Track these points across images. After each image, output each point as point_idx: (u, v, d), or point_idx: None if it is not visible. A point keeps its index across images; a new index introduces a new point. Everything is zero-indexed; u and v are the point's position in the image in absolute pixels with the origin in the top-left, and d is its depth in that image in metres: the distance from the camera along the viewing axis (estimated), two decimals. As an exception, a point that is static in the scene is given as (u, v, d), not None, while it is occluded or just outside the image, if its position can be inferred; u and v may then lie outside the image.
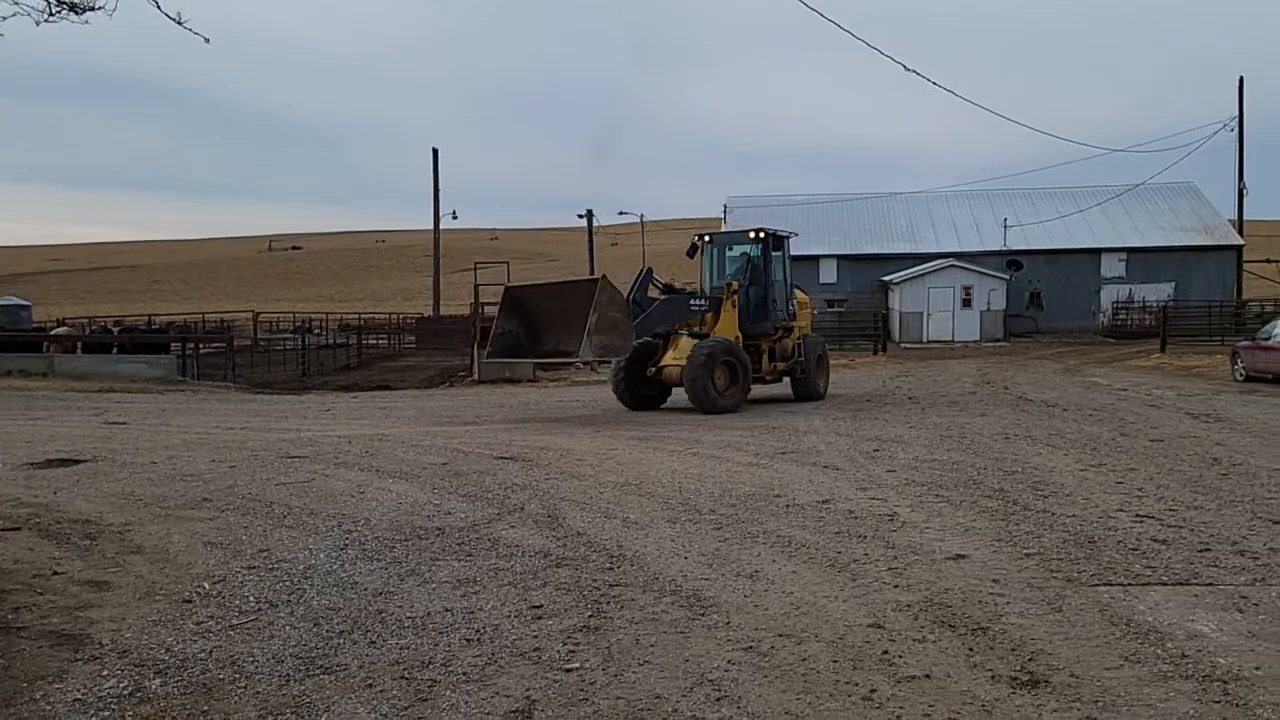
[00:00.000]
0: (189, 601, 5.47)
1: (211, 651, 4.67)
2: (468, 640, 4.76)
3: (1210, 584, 5.03)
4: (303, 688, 4.23)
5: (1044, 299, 40.12)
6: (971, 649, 4.27)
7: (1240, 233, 39.16)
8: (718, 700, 3.87)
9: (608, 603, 5.26)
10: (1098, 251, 39.80)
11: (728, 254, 17.57)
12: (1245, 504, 7.09)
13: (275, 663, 4.52)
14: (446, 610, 5.23)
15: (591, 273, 28.35)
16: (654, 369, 15.79)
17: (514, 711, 3.88)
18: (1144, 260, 39.48)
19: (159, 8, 8.37)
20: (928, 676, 3.98)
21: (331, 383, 26.10)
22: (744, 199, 45.30)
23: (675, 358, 15.48)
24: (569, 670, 4.29)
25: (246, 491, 8.63)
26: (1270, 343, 18.68)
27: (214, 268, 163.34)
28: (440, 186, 42.97)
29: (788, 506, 7.53)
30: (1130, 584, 5.08)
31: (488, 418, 15.90)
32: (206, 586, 5.75)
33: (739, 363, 15.35)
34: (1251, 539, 5.98)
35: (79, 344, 24.92)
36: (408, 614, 5.19)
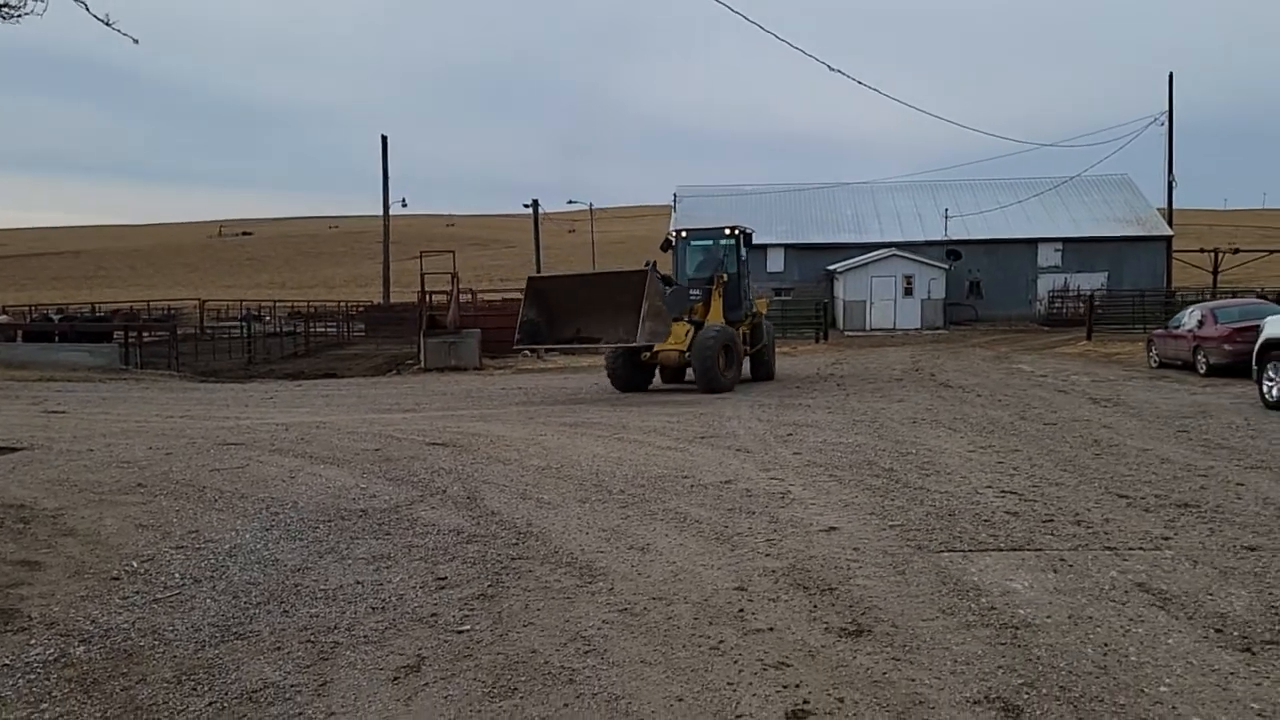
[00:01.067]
0: (117, 579, 5.85)
1: (135, 622, 5.07)
2: (373, 608, 5.21)
3: (1039, 550, 5.65)
4: (217, 651, 4.66)
5: (983, 288, 41.27)
6: (815, 606, 4.83)
7: (1170, 224, 40.58)
8: (586, 653, 4.38)
9: (507, 574, 5.74)
10: (1035, 242, 41.02)
11: (702, 248, 18.94)
12: (1103, 480, 7.76)
13: (193, 631, 4.93)
14: (358, 583, 5.67)
15: (538, 261, 28.69)
16: (649, 354, 16.88)
17: (404, 667, 4.35)
18: (1079, 250, 40.77)
19: (87, 9, 8.67)
20: (771, 629, 4.53)
21: (277, 371, 26.21)
22: (693, 189, 45.85)
23: (673, 343, 16.59)
24: (460, 632, 4.77)
25: (180, 477, 8.96)
26: (1179, 331, 19.64)
27: (162, 254, 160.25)
28: (390, 173, 42.90)
29: (692, 486, 8.07)
30: (971, 550, 5.69)
31: (427, 405, 16.29)
32: (135, 565, 6.13)
33: (735, 347, 17.06)
34: (1093, 511, 6.63)
35: (19, 332, 24.76)
36: (321, 587, 5.63)
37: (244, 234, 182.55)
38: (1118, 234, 40.74)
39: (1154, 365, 20.75)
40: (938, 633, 4.36)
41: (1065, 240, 40.86)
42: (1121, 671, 3.85)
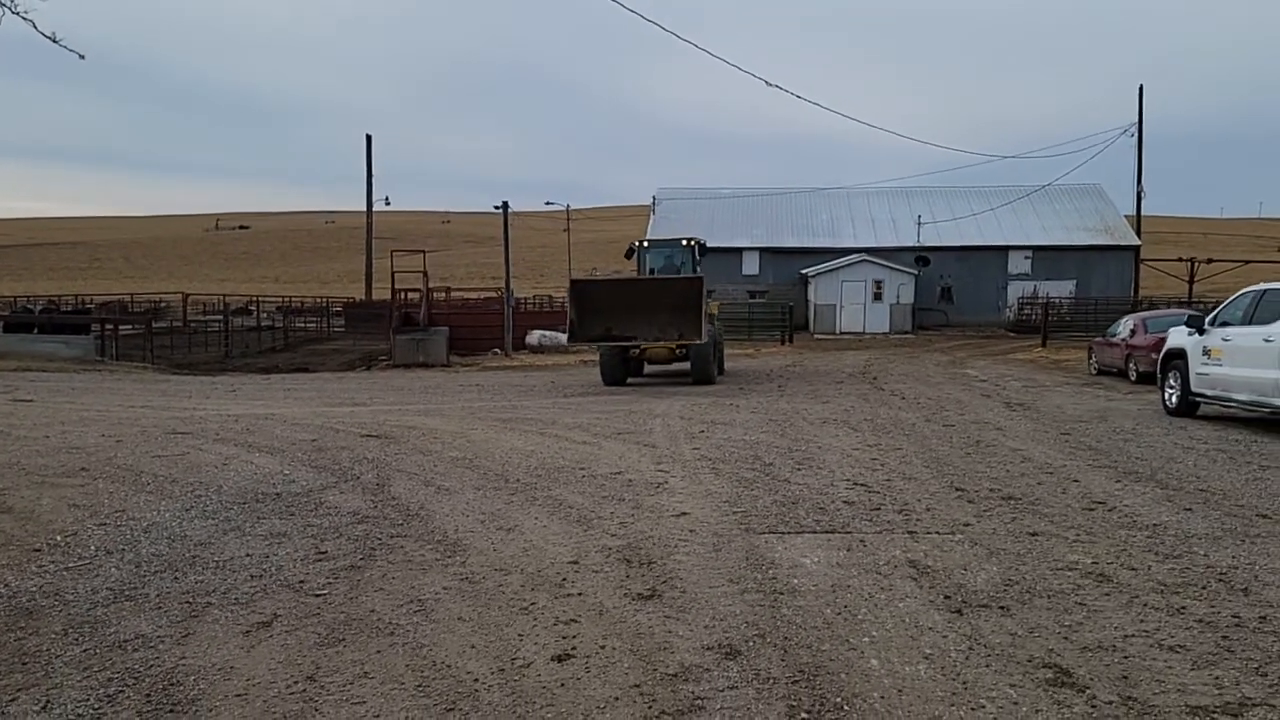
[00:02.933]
0: (38, 550, 6.56)
1: (42, 587, 5.78)
2: (252, 576, 5.92)
3: (849, 533, 6.37)
4: (106, 610, 5.36)
5: (955, 294, 42.04)
6: (628, 576, 5.55)
7: (1138, 233, 41.33)
8: (415, 612, 5.10)
9: (381, 549, 6.46)
10: (1005, 249, 41.79)
11: (662, 255, 20.99)
12: (954, 477, 8.49)
13: (91, 593, 5.64)
14: (248, 555, 6.38)
15: (506, 262, 29.41)
16: (637, 351, 18.62)
17: (259, 623, 5.06)
18: (1048, 258, 41.55)
19: (35, 28, 9.38)
20: (580, 595, 5.26)
21: (252, 365, 26.92)
22: (672, 191, 46.57)
23: (664, 343, 18.36)
24: (318, 596, 5.49)
25: (123, 463, 9.68)
26: (1114, 340, 20.39)
27: (158, 246, 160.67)
28: (376, 171, 43.61)
29: (584, 477, 8.79)
30: (789, 532, 6.42)
31: (381, 399, 17.00)
32: (58, 539, 6.84)
33: (720, 345, 20.10)
34: (922, 502, 7.36)
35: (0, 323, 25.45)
36: (216, 559, 6.33)
37: (241, 228, 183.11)
38: (1087, 243, 41.51)
39: (1093, 372, 21.48)
40: (714, 597, 5.08)
41: (1035, 248, 41.64)
42: (842, 626, 4.58)
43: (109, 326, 25.01)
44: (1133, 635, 4.40)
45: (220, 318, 33.57)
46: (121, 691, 4.19)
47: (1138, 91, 40.14)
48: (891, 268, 38.91)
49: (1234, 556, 5.76)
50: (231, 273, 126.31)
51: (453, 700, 3.93)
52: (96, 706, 4.04)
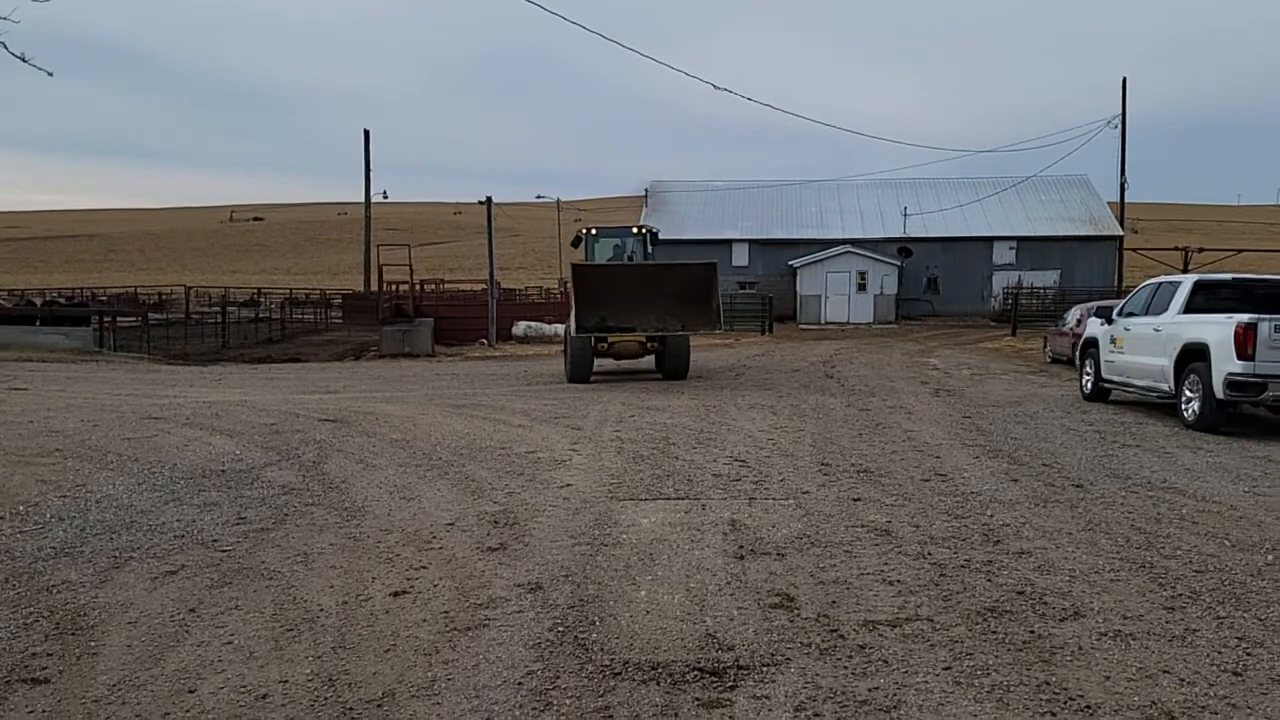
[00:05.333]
0: (1, 518, 7.56)
1: (-5, 546, 6.78)
2: (176, 537, 6.88)
3: (696, 499, 7.29)
4: (45, 564, 6.33)
5: (940, 284, 42.75)
6: (489, 534, 6.49)
7: (1122, 224, 41.89)
8: (298, 563, 6.05)
9: (294, 515, 7.41)
10: (990, 240, 42.47)
11: (611, 244, 20.07)
12: (830, 455, 9.36)
13: (36, 551, 6.61)
14: (178, 521, 7.34)
15: (490, 256, 30.37)
16: (606, 345, 17.49)
17: (167, 572, 6.01)
18: (1033, 248, 42.20)
19: (5, 48, 10.36)
20: (440, 548, 6.19)
21: (247, 355, 28.01)
22: (665, 183, 47.42)
23: (635, 335, 17.45)
24: (224, 551, 6.44)
25: (94, 444, 10.69)
26: (1064, 329, 21.15)
27: (173, 238, 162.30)
28: (374, 164, 44.65)
29: (501, 455, 9.72)
30: (645, 499, 7.34)
31: (354, 387, 18.00)
32: (20, 509, 7.83)
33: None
34: (783, 474, 8.24)
35: (2, 315, 26.67)
36: (150, 523, 7.30)
37: (255, 219, 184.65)
38: (1071, 233, 42.12)
39: (1047, 361, 22.26)
40: (549, 549, 6.01)
41: (1020, 239, 42.30)
42: (637, 569, 5.50)
43: (107, 318, 26.22)
44: (867, 573, 5.30)
45: (217, 309, 34.69)
46: (37, 621, 5.15)
47: (1121, 84, 40.59)
48: (875, 259, 39.70)
49: (1016, 518, 6.64)
50: (243, 264, 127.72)
51: (296, 624, 4.88)
52: (14, 632, 5.00)
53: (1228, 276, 12.61)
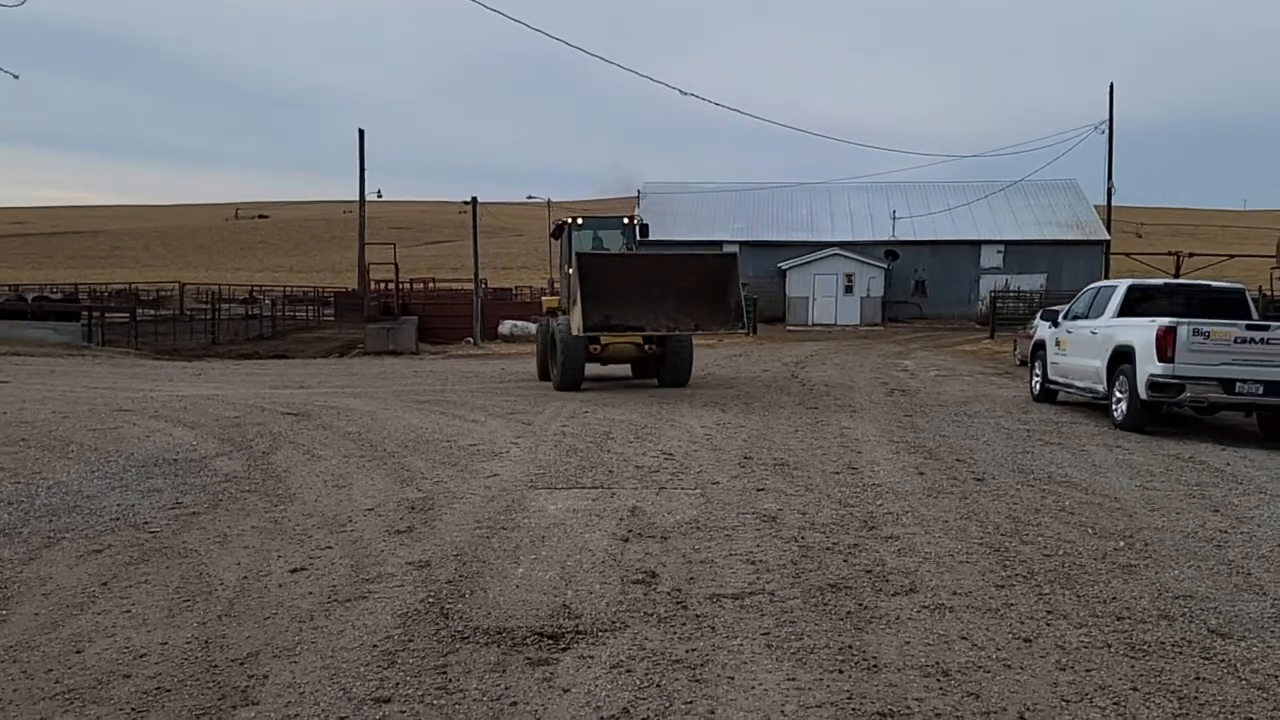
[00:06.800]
0: (-44, 501, 7.94)
1: (-56, 524, 7.16)
2: (112, 519, 7.26)
3: (608, 489, 7.65)
4: (-17, 541, 6.73)
5: (928, 287, 43.10)
6: (402, 519, 6.86)
7: (1109, 228, 42.17)
8: (215, 543, 6.42)
9: (228, 501, 7.78)
10: (978, 243, 42.80)
11: (601, 236, 18.28)
12: (756, 449, 9.71)
13: (-22, 529, 7.01)
14: (118, 505, 7.72)
15: (475, 258, 30.77)
16: (598, 347, 15.92)
17: (92, 550, 6.39)
18: (1020, 252, 42.54)
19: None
20: (351, 531, 6.57)
21: (234, 352, 28.45)
22: (658, 185, 47.83)
23: (631, 337, 15.96)
24: (151, 533, 6.82)
25: (60, 435, 11.07)
26: (1030, 332, 21.45)
27: (178, 235, 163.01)
28: (368, 164, 45.04)
29: (445, 447, 10.08)
30: (560, 488, 7.71)
31: (328, 383, 18.39)
32: (-24, 493, 8.22)
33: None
34: (701, 467, 8.59)
35: (-5, 310, 27.19)
36: (92, 506, 7.67)
37: (260, 217, 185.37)
38: (1058, 237, 42.43)
39: (1017, 363, 22.58)
40: (453, 532, 6.38)
41: (1007, 243, 42.62)
42: (525, 549, 5.87)
43: (95, 314, 26.69)
44: (736, 554, 5.67)
45: (208, 306, 35.17)
46: (-40, 591, 5.54)
47: (1109, 90, 40.85)
48: (863, 261, 40.07)
49: (902, 507, 7.00)
50: (247, 261, 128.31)
51: (193, 596, 5.26)
52: (-62, 600, 5.39)
53: (1160, 282, 12.94)
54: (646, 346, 16.14)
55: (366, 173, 39.87)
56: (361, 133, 45.31)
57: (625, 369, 18.01)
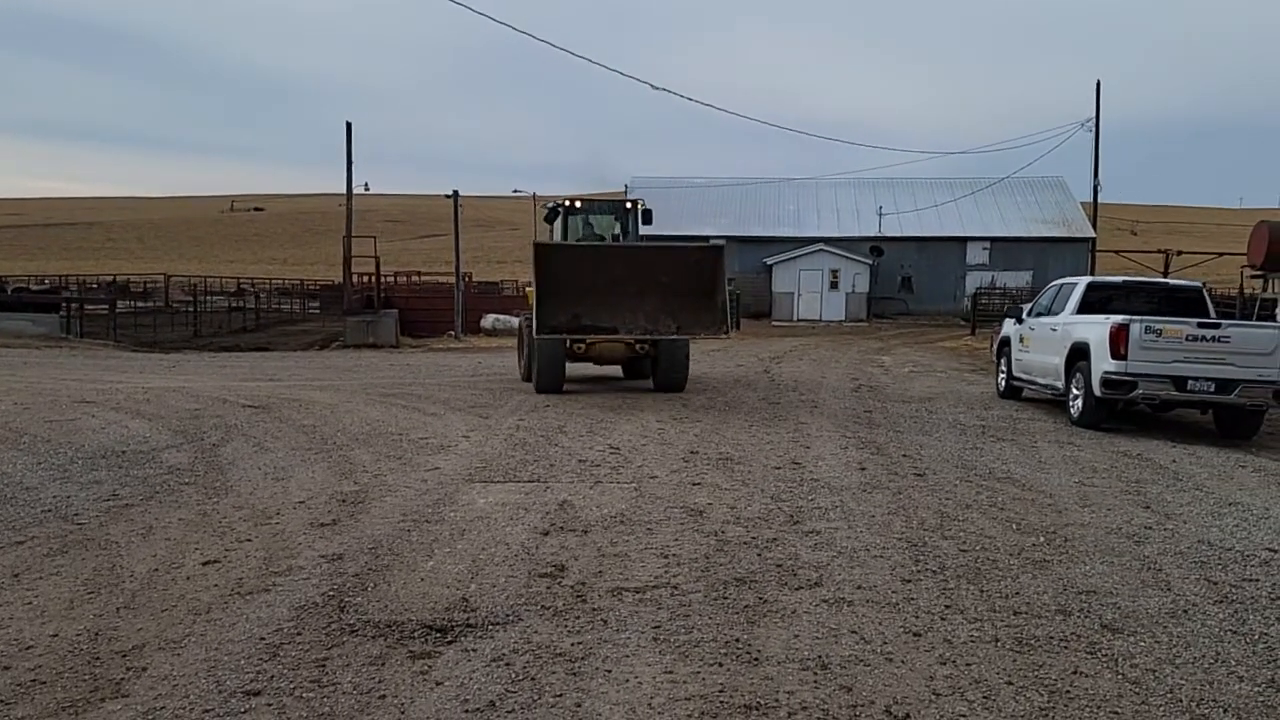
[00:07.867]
0: (-110, 491, 7.90)
1: (-123, 514, 7.12)
2: (44, 511, 7.22)
3: (543, 482, 7.63)
4: (-87, 530, 6.69)
5: (914, 283, 43.10)
6: (329, 512, 6.84)
7: (1094, 226, 42.17)
8: (139, 535, 6.39)
9: (165, 493, 7.75)
10: (964, 240, 42.81)
11: (599, 220, 17.17)
12: (705, 444, 9.69)
13: (-86, 519, 6.97)
14: (55, 497, 7.68)
15: (457, 253, 30.71)
16: (582, 347, 14.52)
17: (14, 542, 6.37)
18: (1006, 249, 42.56)
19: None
20: (276, 523, 6.55)
21: (215, 344, 28.40)
22: (645, 179, 47.68)
23: (618, 336, 14.40)
24: (79, 525, 6.78)
25: (16, 426, 11.02)
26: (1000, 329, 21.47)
27: (172, 227, 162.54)
28: (356, 157, 44.93)
29: (395, 440, 10.06)
30: (495, 481, 7.70)
31: (299, 376, 18.34)
32: (-86, 483, 8.18)
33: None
34: (643, 462, 8.58)
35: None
36: (28, 498, 7.63)
37: (255, 209, 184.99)
38: (1044, 234, 42.46)
39: (993, 359, 22.57)
40: (377, 526, 6.37)
41: (993, 239, 42.65)
42: (443, 542, 5.86)
43: (74, 306, 26.64)
44: (651, 548, 5.66)
45: (188, 299, 35.08)
46: (-128, 578, 5.51)
47: (1095, 87, 40.81)
48: (848, 257, 40.08)
49: (833, 502, 6.99)
50: (241, 254, 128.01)
51: (99, 587, 5.24)
52: None
53: (1119, 279, 12.94)
54: (638, 346, 14.61)
55: (359, 165, 39.67)
56: (349, 125, 45.09)
57: (617, 370, 16.75)
